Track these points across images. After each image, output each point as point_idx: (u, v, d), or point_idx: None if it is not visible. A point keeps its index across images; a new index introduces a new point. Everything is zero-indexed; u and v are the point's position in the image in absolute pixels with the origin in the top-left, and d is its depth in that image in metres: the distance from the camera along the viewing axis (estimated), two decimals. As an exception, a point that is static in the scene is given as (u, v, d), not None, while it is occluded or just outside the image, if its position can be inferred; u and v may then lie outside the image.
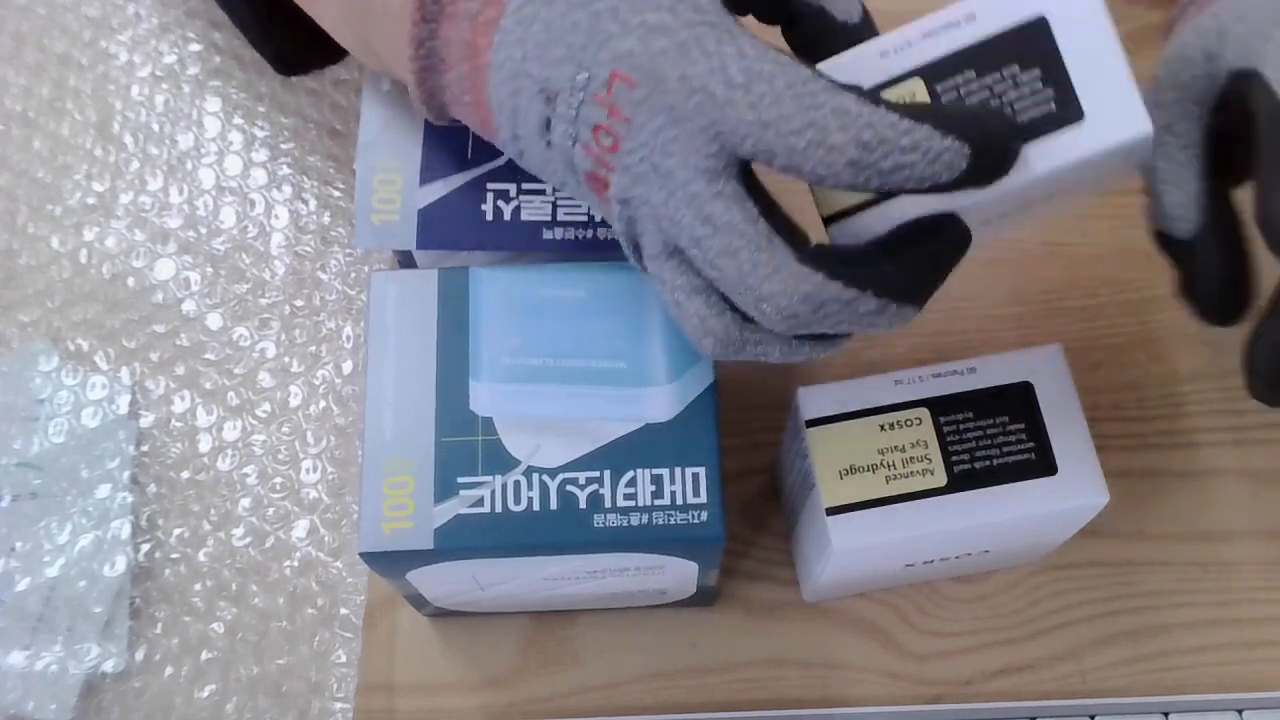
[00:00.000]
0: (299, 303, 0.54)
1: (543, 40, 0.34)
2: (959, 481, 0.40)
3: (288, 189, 0.56)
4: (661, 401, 0.39)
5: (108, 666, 0.48)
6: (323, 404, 0.52)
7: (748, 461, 0.50)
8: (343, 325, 0.53)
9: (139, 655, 0.48)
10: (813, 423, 0.41)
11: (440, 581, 0.41)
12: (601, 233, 0.44)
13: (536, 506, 0.38)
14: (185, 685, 0.48)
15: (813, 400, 0.41)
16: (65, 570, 0.49)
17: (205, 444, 0.51)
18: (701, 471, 0.38)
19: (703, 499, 0.38)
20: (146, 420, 0.52)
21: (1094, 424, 0.43)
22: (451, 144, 0.43)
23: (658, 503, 0.38)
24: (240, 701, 0.47)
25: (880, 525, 0.39)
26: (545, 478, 0.38)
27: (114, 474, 0.50)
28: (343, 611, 0.49)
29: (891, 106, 0.32)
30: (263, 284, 0.54)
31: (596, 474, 0.38)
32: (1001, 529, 0.41)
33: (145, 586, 0.49)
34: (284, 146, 0.57)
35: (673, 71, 0.33)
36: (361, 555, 0.38)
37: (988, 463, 0.40)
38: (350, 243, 0.55)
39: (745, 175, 0.34)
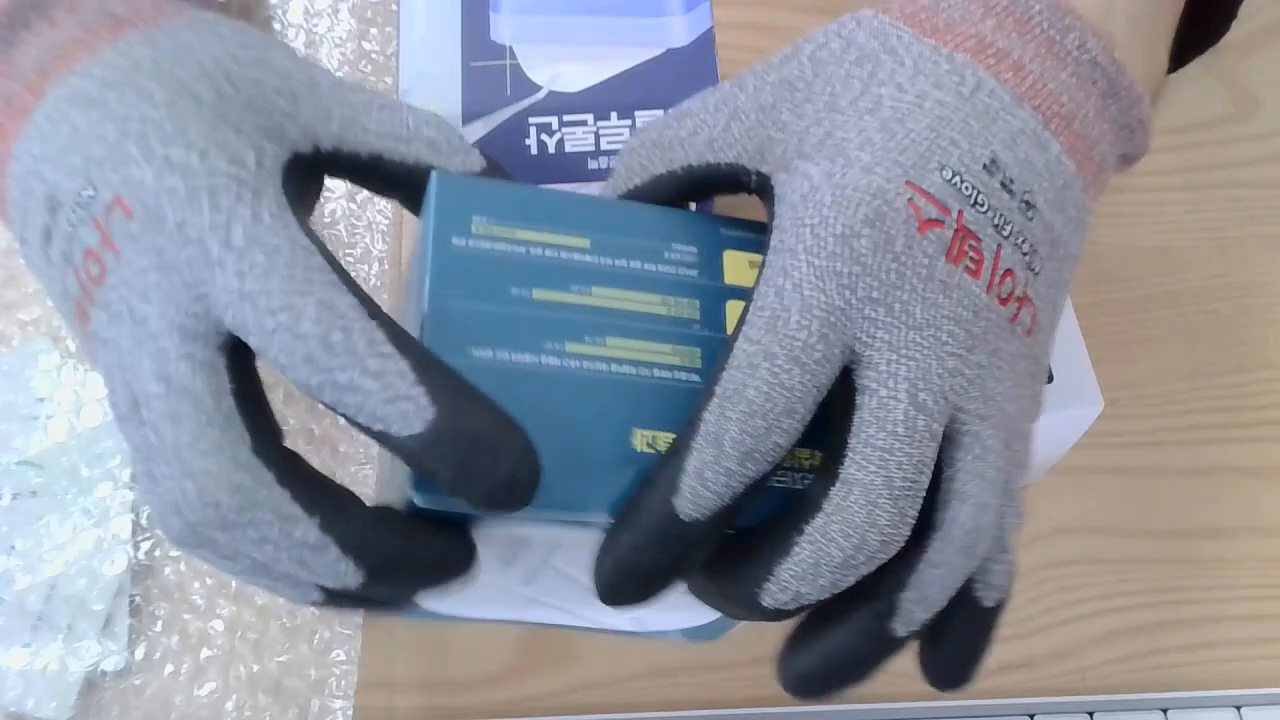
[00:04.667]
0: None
1: (64, 144, 0.31)
2: None
3: (288, 188, 0.56)
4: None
5: (108, 664, 0.48)
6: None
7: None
8: (343, 324, 0.53)
9: (139, 653, 0.48)
10: None
11: None
12: None
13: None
14: (185, 683, 0.48)
15: None
16: (65, 568, 0.49)
17: (205, 442, 0.51)
18: None
19: None
20: (146, 418, 0.52)
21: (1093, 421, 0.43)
22: (490, 82, 0.44)
23: None
24: (240, 699, 0.47)
25: None
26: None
27: (114, 472, 0.50)
28: (343, 609, 0.49)
29: (392, 327, 0.29)
30: (263, 282, 0.54)
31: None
32: None
33: (145, 584, 0.49)
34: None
35: (173, 215, 0.29)
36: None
37: None
38: (348, 239, 0.55)
39: (236, 357, 0.30)
